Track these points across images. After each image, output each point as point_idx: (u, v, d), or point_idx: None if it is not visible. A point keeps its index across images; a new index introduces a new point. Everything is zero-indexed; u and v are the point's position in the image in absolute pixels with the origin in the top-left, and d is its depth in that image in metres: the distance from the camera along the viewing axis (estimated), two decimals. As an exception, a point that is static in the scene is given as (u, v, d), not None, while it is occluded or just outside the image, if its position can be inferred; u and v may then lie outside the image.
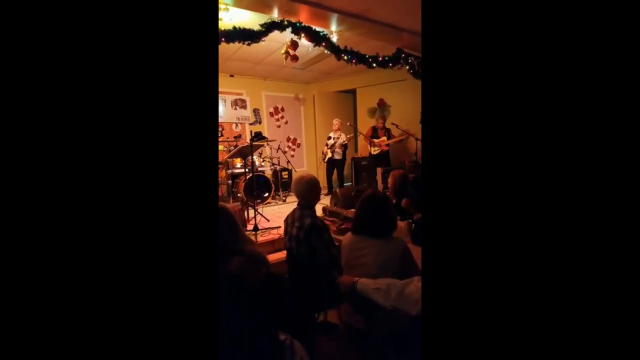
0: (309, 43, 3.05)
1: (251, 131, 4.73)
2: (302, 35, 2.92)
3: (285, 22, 2.81)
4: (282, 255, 2.40)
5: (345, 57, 3.24)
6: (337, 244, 1.72)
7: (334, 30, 3.22)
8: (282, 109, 5.86)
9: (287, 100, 5.87)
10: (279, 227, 3.08)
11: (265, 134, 4.96)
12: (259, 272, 1.11)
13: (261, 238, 2.76)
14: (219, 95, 5.22)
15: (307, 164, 6.18)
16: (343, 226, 2.42)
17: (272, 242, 2.76)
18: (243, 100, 5.42)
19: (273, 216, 3.52)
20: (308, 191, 1.76)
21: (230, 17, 2.86)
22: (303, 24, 2.90)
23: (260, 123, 5.59)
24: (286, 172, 5.13)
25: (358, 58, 3.32)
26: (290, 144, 5.95)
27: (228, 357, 0.63)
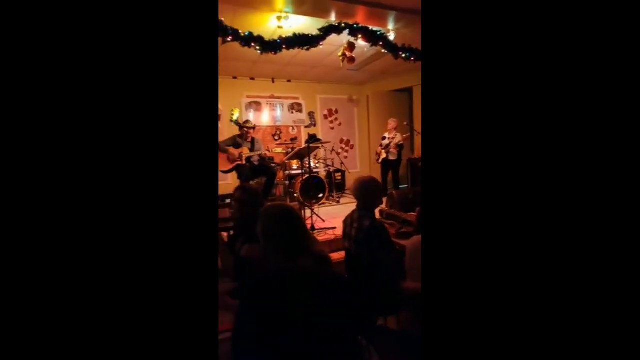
0: (366, 43, 3.03)
1: (309, 134, 4.86)
2: (359, 36, 2.91)
3: (343, 25, 2.83)
4: (338, 255, 2.42)
5: (403, 55, 3.15)
6: (396, 247, 1.67)
7: (391, 29, 3.15)
8: (336, 111, 5.92)
9: (341, 102, 5.91)
10: (335, 227, 3.11)
11: (319, 136, 5.06)
12: (326, 272, 1.13)
13: (318, 238, 2.81)
14: (277, 100, 5.47)
15: (360, 165, 6.14)
16: (403, 230, 2.34)
17: (328, 243, 2.79)
18: (299, 104, 5.60)
19: (327, 217, 3.57)
20: (368, 193, 1.74)
21: (290, 24, 2.98)
22: (360, 25, 2.89)
23: (314, 125, 5.72)
24: (339, 174, 5.15)
25: (416, 55, 3.20)
26: (344, 146, 5.97)
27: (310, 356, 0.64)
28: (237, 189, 1.70)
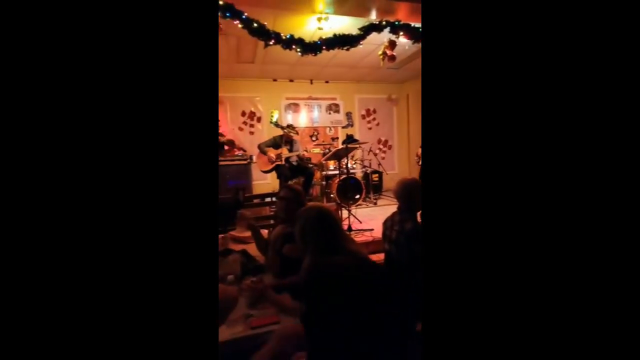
0: (407, 41, 2.94)
1: (347, 135, 4.85)
2: (401, 33, 2.84)
3: (384, 23, 2.78)
4: (376, 257, 2.38)
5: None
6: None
7: (434, 24, 3.03)
8: (374, 111, 5.83)
9: (379, 101, 5.80)
10: (372, 229, 3.06)
11: (356, 136, 5.01)
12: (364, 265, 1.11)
13: (355, 239, 2.79)
14: (315, 101, 5.53)
15: (398, 166, 5.98)
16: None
17: (365, 244, 2.76)
18: (337, 105, 5.60)
19: (364, 218, 3.52)
20: (410, 195, 1.69)
21: (330, 25, 3.00)
22: (401, 22, 2.82)
23: (352, 126, 5.68)
24: (377, 175, 5.06)
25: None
26: (381, 146, 5.86)
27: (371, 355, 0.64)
28: (283, 188, 1.75)
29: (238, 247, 1.85)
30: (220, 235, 1.97)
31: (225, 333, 1.04)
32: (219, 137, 3.86)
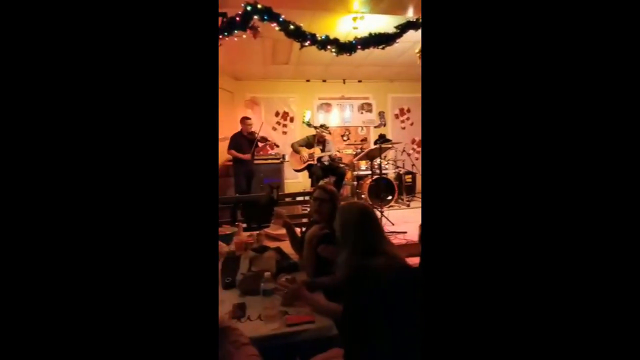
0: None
1: (379, 134, 4.78)
2: (440, 30, 2.74)
3: (421, 20, 2.70)
4: (412, 261, 2.32)
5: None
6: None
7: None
8: (408, 110, 5.68)
9: (414, 100, 5.64)
10: (405, 232, 2.99)
11: (389, 136, 4.92)
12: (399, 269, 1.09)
13: (387, 241, 2.74)
14: (347, 100, 5.51)
15: (432, 167, 5.78)
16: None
17: (399, 247, 2.70)
18: (369, 104, 5.54)
19: (397, 220, 3.45)
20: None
21: (366, 24, 2.97)
22: (441, 19, 2.72)
23: (384, 125, 5.59)
24: (410, 176, 4.93)
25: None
26: (415, 146, 5.70)
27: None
28: (316, 188, 1.77)
29: (272, 244, 1.89)
30: (256, 232, 2.03)
31: (263, 329, 1.08)
32: (254, 135, 3.98)
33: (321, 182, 3.74)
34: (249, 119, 4.11)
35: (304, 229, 1.94)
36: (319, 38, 2.70)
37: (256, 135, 4.01)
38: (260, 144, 4.16)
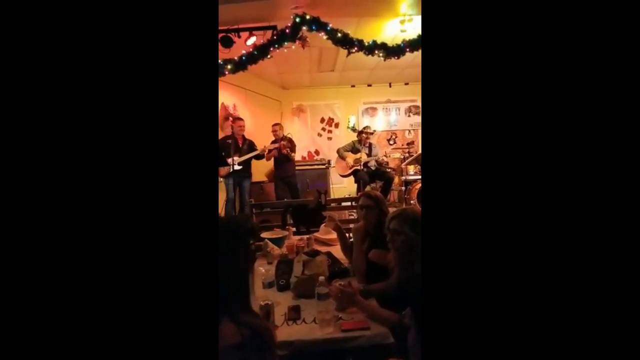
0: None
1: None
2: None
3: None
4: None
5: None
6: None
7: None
8: (459, 112, 5.39)
9: (465, 101, 5.34)
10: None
11: (439, 139, 4.70)
12: None
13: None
14: (394, 104, 5.41)
15: (487, 171, 5.39)
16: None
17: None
18: (417, 107, 5.37)
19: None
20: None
21: (414, 27, 2.90)
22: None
23: (433, 128, 5.36)
24: (462, 181, 4.66)
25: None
26: (467, 149, 5.37)
27: None
28: (362, 195, 1.76)
29: (322, 248, 1.92)
30: (306, 237, 2.08)
31: (318, 332, 1.09)
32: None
33: (367, 188, 3.70)
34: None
35: (351, 235, 1.94)
36: (366, 44, 2.70)
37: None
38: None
